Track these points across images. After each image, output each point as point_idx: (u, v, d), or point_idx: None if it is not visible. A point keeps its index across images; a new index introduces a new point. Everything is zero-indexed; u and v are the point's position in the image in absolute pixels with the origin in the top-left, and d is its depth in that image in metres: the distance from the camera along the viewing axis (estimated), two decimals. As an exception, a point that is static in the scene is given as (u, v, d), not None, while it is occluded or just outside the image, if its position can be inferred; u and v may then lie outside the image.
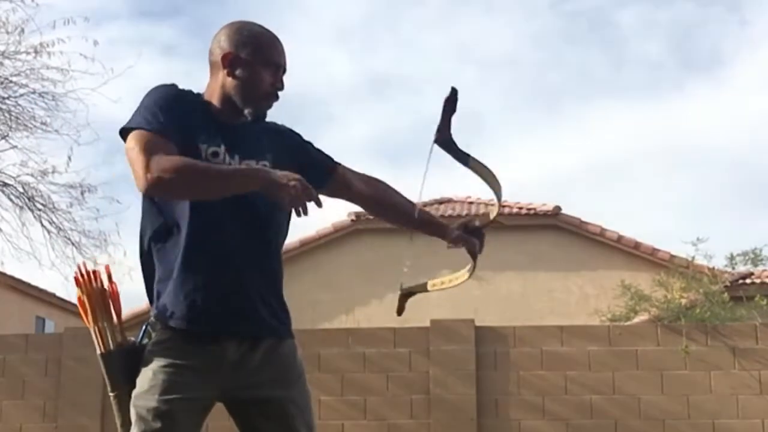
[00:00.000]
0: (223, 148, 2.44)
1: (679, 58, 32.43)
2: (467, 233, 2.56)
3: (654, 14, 30.17)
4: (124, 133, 2.39)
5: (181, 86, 2.52)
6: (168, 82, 2.50)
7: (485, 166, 2.39)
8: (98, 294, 2.51)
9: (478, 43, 30.52)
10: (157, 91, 2.45)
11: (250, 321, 2.44)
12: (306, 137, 2.67)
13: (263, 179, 2.24)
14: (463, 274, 2.62)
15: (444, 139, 2.23)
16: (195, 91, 2.54)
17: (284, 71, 2.52)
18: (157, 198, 2.43)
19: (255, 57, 2.46)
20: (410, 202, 2.64)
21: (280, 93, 2.51)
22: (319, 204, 2.24)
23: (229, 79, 2.46)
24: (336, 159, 2.66)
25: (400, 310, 2.54)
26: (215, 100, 2.49)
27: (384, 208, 2.67)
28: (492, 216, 2.46)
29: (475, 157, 2.35)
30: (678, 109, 32.66)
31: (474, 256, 2.57)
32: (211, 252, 2.39)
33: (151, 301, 2.48)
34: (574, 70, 30.62)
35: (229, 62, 2.45)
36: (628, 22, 30.82)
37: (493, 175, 2.41)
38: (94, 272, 2.52)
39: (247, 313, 2.43)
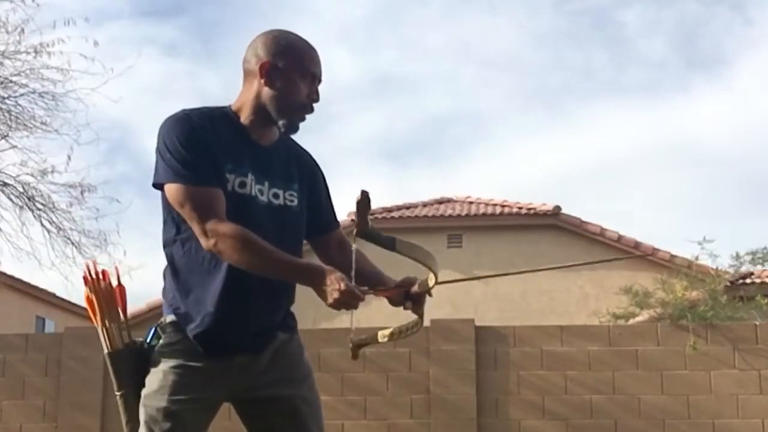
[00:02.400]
0: (250, 176, 2.40)
1: (682, 58, 32.44)
2: (407, 298, 2.51)
3: (657, 13, 30.21)
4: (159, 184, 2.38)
5: (193, 105, 2.48)
6: (177, 111, 2.42)
7: (413, 245, 2.40)
8: (106, 293, 2.52)
9: (481, 42, 30.54)
10: (177, 128, 2.37)
11: (263, 338, 2.47)
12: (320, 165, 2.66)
13: (311, 283, 2.25)
14: (411, 326, 2.62)
15: (364, 232, 2.28)
16: (219, 105, 2.49)
17: (320, 81, 2.47)
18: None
19: (293, 67, 2.41)
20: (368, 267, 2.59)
21: (315, 105, 2.46)
22: (361, 299, 2.28)
23: (266, 89, 2.41)
24: (337, 221, 2.67)
25: (354, 357, 2.57)
26: (246, 111, 2.45)
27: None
28: (431, 284, 2.46)
29: (401, 239, 2.38)
30: (681, 108, 32.70)
31: (418, 314, 2.56)
32: (242, 279, 2.36)
33: (166, 299, 2.48)
34: (577, 69, 30.64)
35: (266, 71, 2.40)
36: (631, 22, 30.83)
37: (423, 251, 2.42)
38: (103, 272, 2.54)
39: (263, 334, 2.46)
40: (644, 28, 30.93)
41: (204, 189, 2.31)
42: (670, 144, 29.63)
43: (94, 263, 2.55)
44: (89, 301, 2.52)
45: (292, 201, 2.48)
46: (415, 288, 2.46)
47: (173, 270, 2.45)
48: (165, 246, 2.47)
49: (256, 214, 2.39)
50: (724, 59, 31.72)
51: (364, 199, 2.23)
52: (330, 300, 2.22)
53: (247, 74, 2.46)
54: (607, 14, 30.97)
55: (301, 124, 2.48)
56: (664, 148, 29.35)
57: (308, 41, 2.50)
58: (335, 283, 2.21)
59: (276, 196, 2.45)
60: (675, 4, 30.60)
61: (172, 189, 2.34)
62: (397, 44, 32.65)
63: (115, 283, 2.55)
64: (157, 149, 2.38)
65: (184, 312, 2.41)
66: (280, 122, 2.43)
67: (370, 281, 2.48)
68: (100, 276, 2.53)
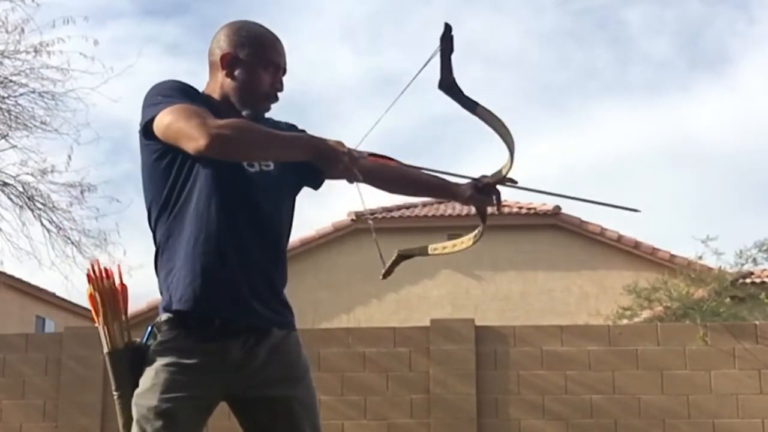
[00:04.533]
0: None
1: (685, 57, 32.44)
2: (479, 192, 2.44)
3: (660, 12, 30.19)
4: (149, 124, 2.35)
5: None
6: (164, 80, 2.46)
7: (495, 116, 2.26)
8: (109, 292, 2.52)
9: (485, 41, 30.51)
10: (166, 82, 2.43)
11: (253, 314, 2.42)
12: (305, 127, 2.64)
13: (316, 150, 2.26)
14: (468, 239, 2.49)
15: (447, 83, 2.12)
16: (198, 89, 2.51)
17: (284, 72, 2.49)
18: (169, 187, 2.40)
19: (254, 58, 2.43)
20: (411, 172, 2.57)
21: (279, 94, 2.49)
22: (359, 180, 2.30)
23: (228, 80, 2.44)
24: None
25: (387, 273, 2.43)
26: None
27: (390, 184, 2.63)
28: (504, 171, 2.30)
29: (484, 106, 2.23)
30: (684, 107, 32.69)
31: (483, 218, 2.44)
32: (219, 246, 2.38)
33: (162, 291, 2.47)
34: (580, 68, 30.65)
35: (227, 63, 2.43)
36: (634, 21, 30.83)
37: (504, 126, 2.26)
38: (107, 270, 2.53)
39: (252, 306, 2.42)
40: (647, 28, 30.95)
41: (193, 105, 2.30)
42: (672, 143, 29.65)
43: (98, 261, 2.55)
44: (92, 299, 2.51)
45: (267, 166, 2.46)
46: (488, 179, 2.35)
47: (158, 253, 2.45)
48: (155, 230, 2.47)
49: (244, 178, 2.40)
50: (727, 58, 31.74)
51: (447, 35, 2.06)
52: (338, 158, 2.25)
53: (212, 66, 2.48)
54: (610, 13, 31.00)
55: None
56: (666, 148, 29.36)
57: (271, 31, 2.50)
58: (336, 144, 2.26)
59: (251, 164, 2.44)
60: (678, 3, 30.62)
61: (161, 117, 2.30)
62: (400, 43, 32.65)
63: (117, 281, 2.55)
64: (147, 101, 2.39)
65: (175, 283, 2.38)
66: (244, 112, 2.44)
67: (426, 186, 2.53)
68: (104, 274, 2.52)
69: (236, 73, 2.43)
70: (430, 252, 2.42)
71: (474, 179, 2.43)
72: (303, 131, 2.60)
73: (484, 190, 2.43)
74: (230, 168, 2.38)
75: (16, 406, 7.85)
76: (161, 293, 2.47)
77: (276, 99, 2.48)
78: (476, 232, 2.46)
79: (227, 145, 2.22)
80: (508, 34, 31.84)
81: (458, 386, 7.50)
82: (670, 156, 30.85)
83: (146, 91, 2.44)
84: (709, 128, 32.43)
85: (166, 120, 2.28)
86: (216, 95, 2.47)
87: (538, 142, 30.96)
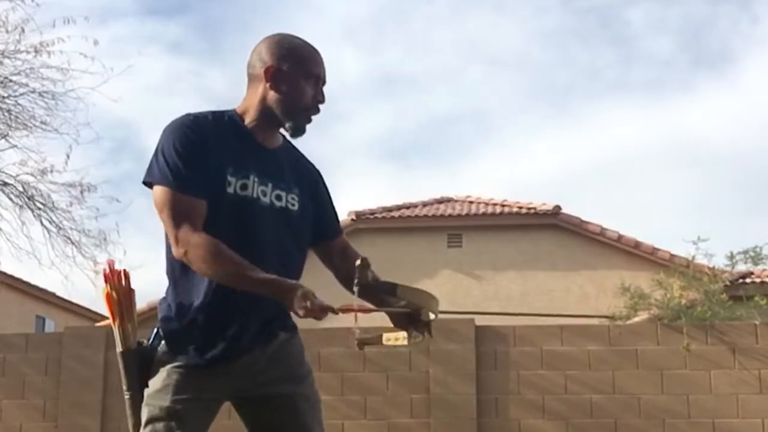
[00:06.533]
0: (252, 177, 2.43)
1: (688, 56, 32.45)
2: (412, 321, 2.55)
3: (664, 11, 30.20)
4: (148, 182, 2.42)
5: (199, 109, 2.53)
6: (184, 113, 2.47)
7: (414, 289, 2.48)
8: (125, 292, 2.55)
9: (487, 41, 30.53)
10: (176, 133, 2.41)
11: (267, 330, 2.48)
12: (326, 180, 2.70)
13: (280, 300, 2.27)
14: (404, 338, 2.65)
15: (362, 287, 2.38)
16: (223, 109, 2.53)
17: (324, 83, 2.52)
18: None
19: (296, 70, 2.46)
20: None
21: (321, 106, 2.51)
22: (332, 312, 2.30)
23: (272, 93, 2.46)
24: (340, 227, 2.71)
25: (360, 348, 2.58)
26: (252, 114, 2.49)
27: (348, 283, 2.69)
28: (432, 317, 2.54)
29: (403, 285, 2.45)
30: (686, 107, 32.70)
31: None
32: (236, 298, 2.39)
33: (160, 308, 2.50)
34: (583, 68, 30.66)
35: (271, 75, 2.45)
36: (637, 20, 30.84)
37: (425, 294, 2.50)
38: (124, 271, 2.56)
39: (267, 325, 2.48)
40: (650, 27, 30.96)
41: (186, 198, 2.35)
42: (675, 143, 29.66)
43: (113, 261, 2.59)
44: (109, 298, 2.53)
45: (293, 205, 2.52)
46: (422, 317, 2.52)
47: (173, 280, 2.48)
48: (166, 258, 2.50)
49: (257, 215, 2.43)
50: (730, 58, 31.75)
51: (364, 263, 2.40)
52: (299, 315, 2.27)
53: (252, 79, 2.50)
54: (613, 12, 31.01)
55: (308, 126, 2.52)
56: (668, 147, 29.38)
57: (311, 44, 2.54)
58: (301, 301, 2.23)
59: (279, 198, 2.49)
60: (681, 2, 30.64)
61: (157, 191, 2.39)
62: (403, 42, 32.66)
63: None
64: (156, 150, 2.42)
65: (177, 329, 2.44)
66: (287, 124, 2.48)
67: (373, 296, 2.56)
68: (121, 275, 2.55)
69: (280, 85, 2.45)
70: (384, 342, 2.55)
71: (413, 310, 2.55)
72: (326, 186, 2.64)
73: (418, 322, 2.54)
74: (247, 204, 2.42)
75: (16, 406, 7.85)
76: (159, 306, 2.51)
77: (317, 111, 2.51)
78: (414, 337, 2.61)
79: (193, 265, 2.34)
80: (510, 33, 31.87)
81: (458, 386, 7.50)
82: (672, 155, 30.86)
83: (165, 128, 2.45)
84: (711, 128, 32.46)
85: (159, 203, 2.38)
86: (254, 109, 2.48)
87: (540, 141, 30.99)
